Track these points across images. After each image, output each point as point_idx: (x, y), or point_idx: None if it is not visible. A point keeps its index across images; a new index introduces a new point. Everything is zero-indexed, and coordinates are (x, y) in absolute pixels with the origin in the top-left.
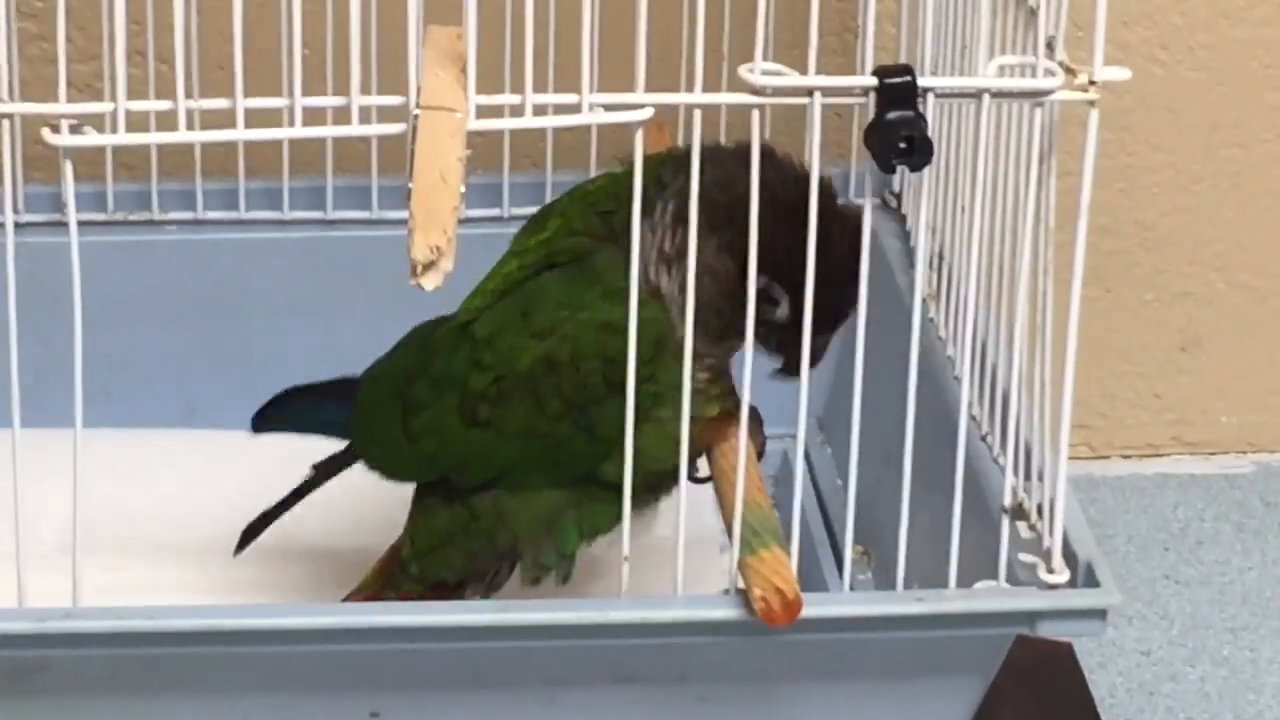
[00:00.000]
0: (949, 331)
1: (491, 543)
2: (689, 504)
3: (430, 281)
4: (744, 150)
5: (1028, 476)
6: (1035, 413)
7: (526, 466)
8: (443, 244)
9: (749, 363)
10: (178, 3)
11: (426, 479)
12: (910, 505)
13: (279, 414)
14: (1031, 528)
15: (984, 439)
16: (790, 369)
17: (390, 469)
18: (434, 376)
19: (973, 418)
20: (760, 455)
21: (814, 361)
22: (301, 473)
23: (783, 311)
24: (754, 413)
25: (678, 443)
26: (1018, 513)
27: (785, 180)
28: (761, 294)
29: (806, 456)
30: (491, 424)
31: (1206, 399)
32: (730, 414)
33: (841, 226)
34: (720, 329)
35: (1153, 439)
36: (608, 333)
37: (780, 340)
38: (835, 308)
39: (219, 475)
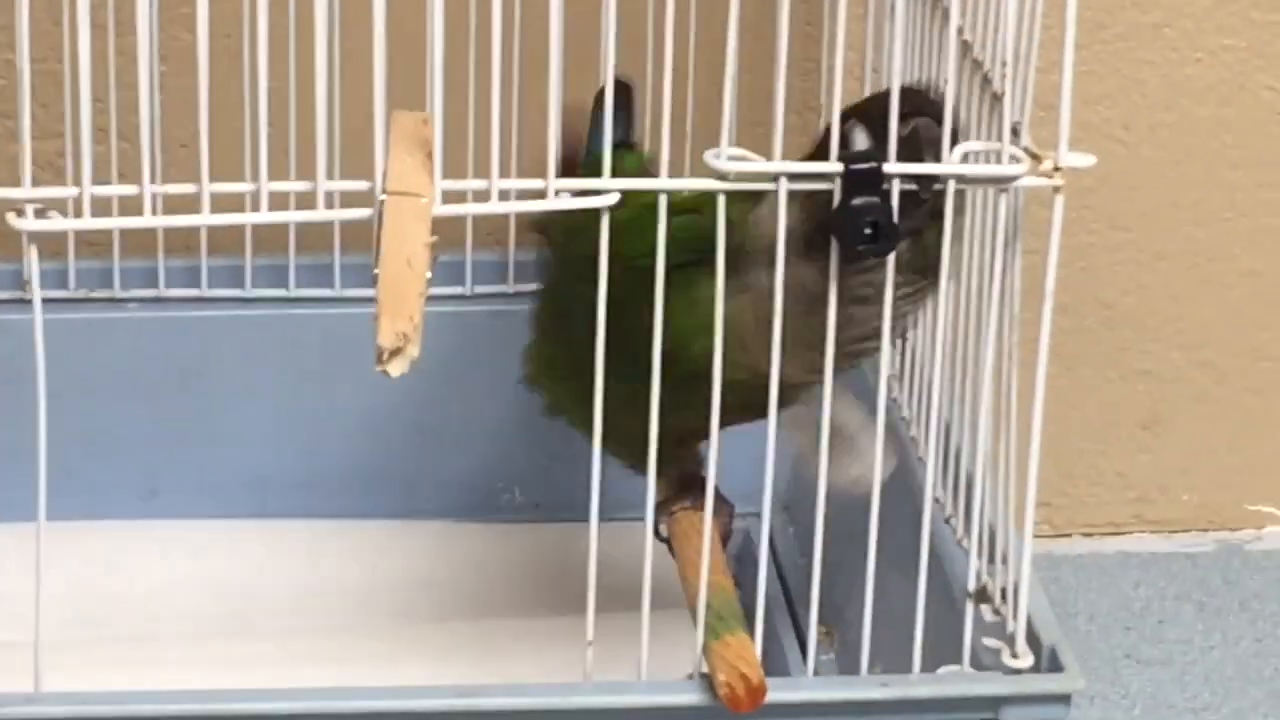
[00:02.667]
0: (913, 412)
1: None
2: (661, 581)
3: (396, 368)
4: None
5: (991, 560)
6: (999, 496)
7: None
8: (409, 330)
9: (714, 444)
10: (143, 84)
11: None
12: (875, 587)
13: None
14: (996, 612)
15: (948, 521)
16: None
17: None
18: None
19: (937, 500)
20: (726, 540)
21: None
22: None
23: (861, 140)
24: (721, 496)
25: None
26: (982, 596)
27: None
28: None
29: (771, 537)
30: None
31: (1168, 477)
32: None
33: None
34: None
35: (1114, 517)
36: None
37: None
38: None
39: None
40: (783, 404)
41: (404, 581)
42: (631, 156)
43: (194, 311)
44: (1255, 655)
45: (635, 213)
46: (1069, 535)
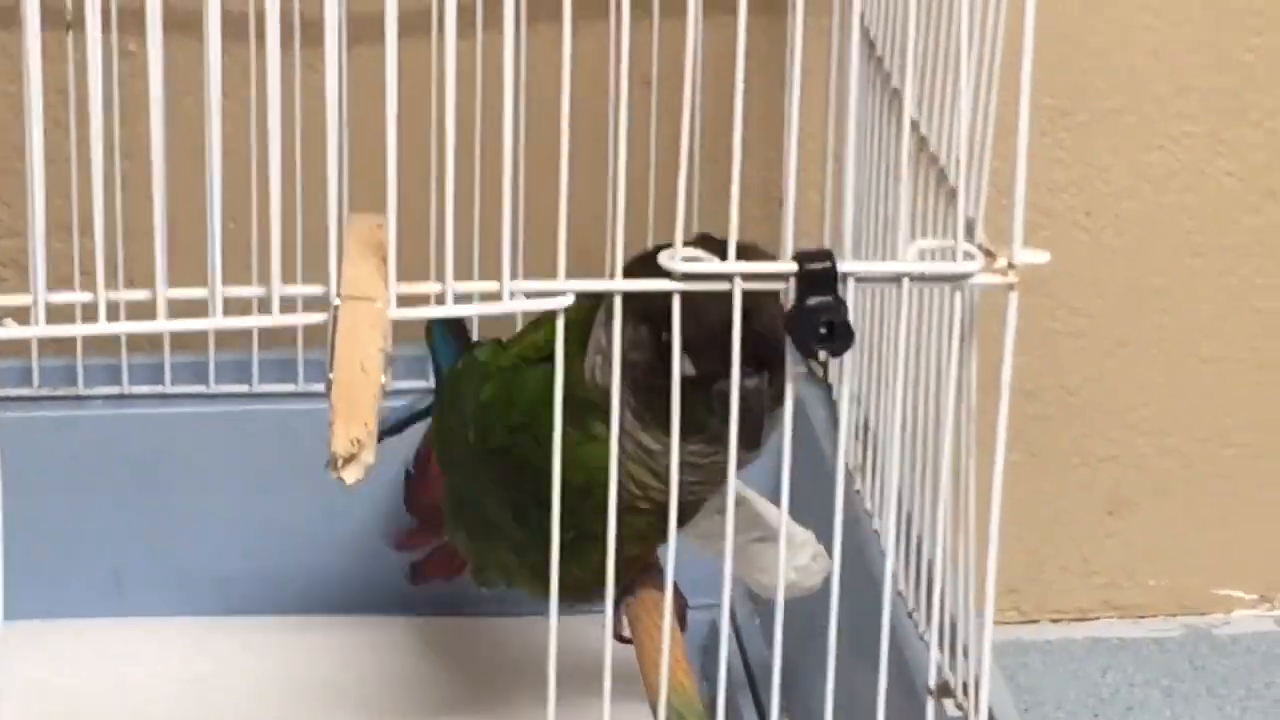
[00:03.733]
0: (875, 504)
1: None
2: (621, 680)
3: (351, 475)
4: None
5: (953, 653)
6: (960, 588)
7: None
8: (363, 436)
9: (673, 537)
10: (97, 195)
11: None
12: (839, 680)
13: (440, 327)
14: (958, 706)
15: (910, 615)
16: (747, 437)
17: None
18: (459, 402)
19: (899, 593)
20: (683, 627)
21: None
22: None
23: (687, 368)
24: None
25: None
26: (944, 691)
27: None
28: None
29: (736, 627)
30: (473, 478)
31: (1134, 562)
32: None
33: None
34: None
35: (1081, 603)
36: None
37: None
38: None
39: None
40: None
41: (373, 677)
42: (487, 346)
43: (157, 409)
44: None
45: (494, 390)
46: (1036, 621)
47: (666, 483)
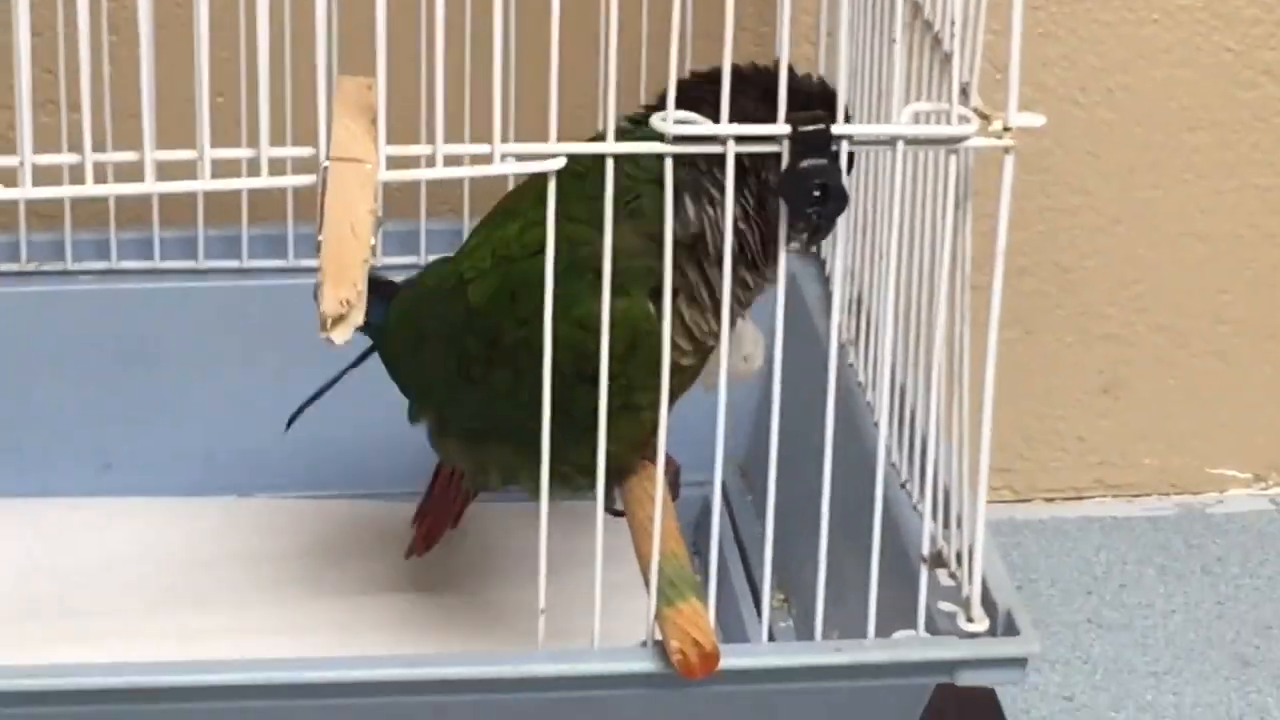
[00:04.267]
0: (868, 377)
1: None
2: (613, 549)
3: (340, 335)
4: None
5: (946, 524)
6: (953, 460)
7: (508, 428)
8: (352, 297)
9: (664, 411)
10: (84, 52)
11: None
12: (830, 553)
13: None
14: (951, 575)
15: (904, 486)
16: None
17: (410, 391)
18: (436, 321)
19: (892, 465)
20: (675, 497)
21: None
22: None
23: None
24: (666, 455)
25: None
26: (937, 561)
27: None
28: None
29: (728, 503)
30: (480, 383)
31: (1129, 441)
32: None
33: None
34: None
35: (1075, 482)
36: (582, 329)
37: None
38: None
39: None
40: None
41: (360, 555)
42: (433, 269)
43: (147, 284)
44: (1217, 619)
45: (488, 290)
46: (1030, 500)
47: (700, 339)
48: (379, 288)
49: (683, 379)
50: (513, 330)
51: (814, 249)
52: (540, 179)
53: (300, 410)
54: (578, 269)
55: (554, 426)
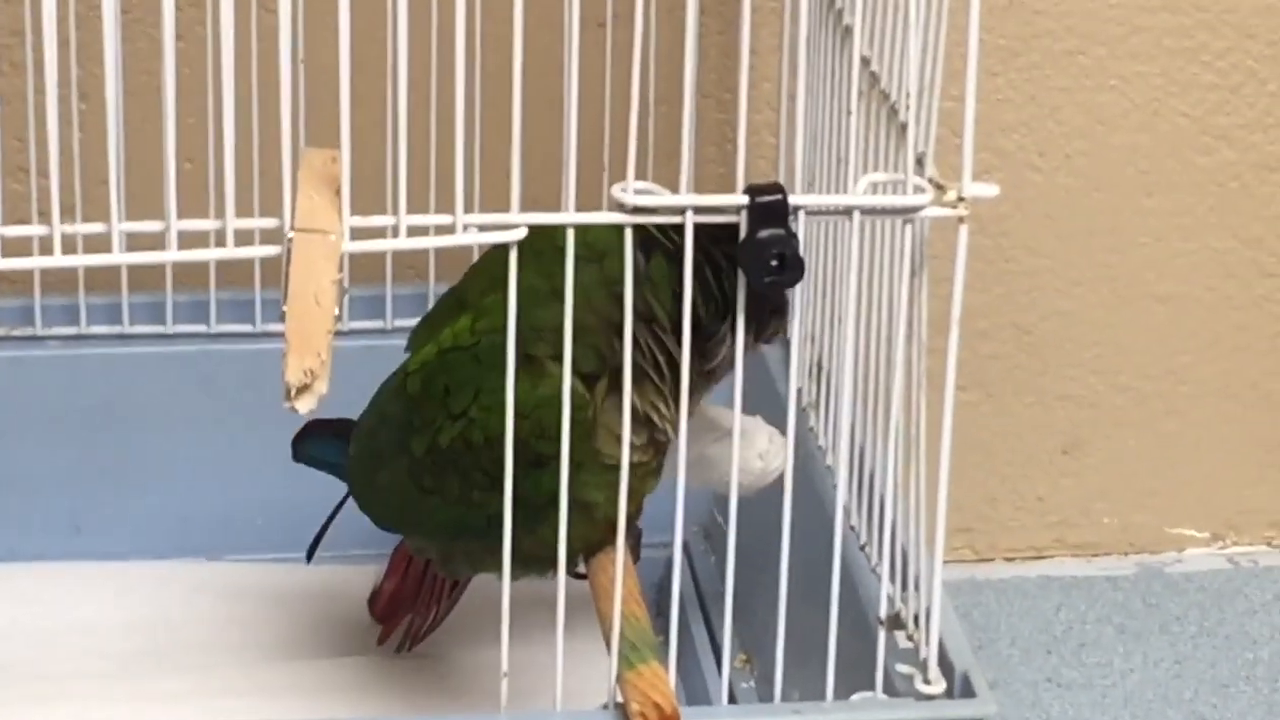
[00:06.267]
0: (828, 440)
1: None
2: (576, 612)
3: (304, 404)
4: None
5: (905, 585)
6: (911, 522)
7: (471, 531)
8: (316, 367)
9: (625, 470)
10: (51, 121)
11: (403, 530)
12: (790, 615)
13: (304, 447)
14: (909, 637)
15: (863, 548)
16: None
17: (374, 517)
18: (387, 430)
19: (851, 527)
20: (636, 559)
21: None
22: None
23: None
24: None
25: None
26: (895, 622)
27: None
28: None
29: (691, 564)
30: (434, 492)
31: (1088, 501)
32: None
33: None
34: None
35: (1035, 541)
36: (517, 417)
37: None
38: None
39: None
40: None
41: (328, 618)
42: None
43: (115, 349)
44: (1175, 678)
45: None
46: (991, 560)
47: (659, 424)
48: (337, 429)
49: (642, 477)
50: (449, 429)
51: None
52: (492, 266)
53: (317, 540)
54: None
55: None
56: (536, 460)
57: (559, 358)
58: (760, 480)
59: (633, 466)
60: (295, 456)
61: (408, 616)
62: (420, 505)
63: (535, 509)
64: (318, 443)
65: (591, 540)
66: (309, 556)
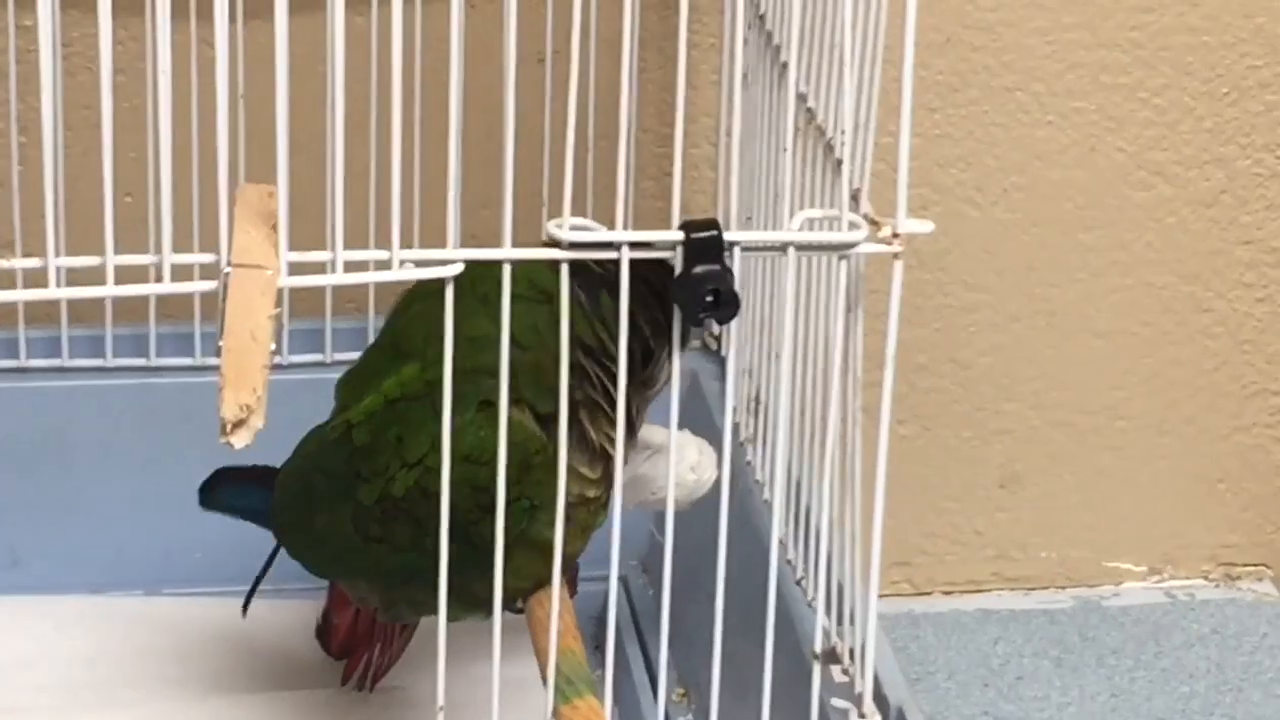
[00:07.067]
0: (765, 475)
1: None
2: (512, 644)
3: (240, 439)
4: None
5: (840, 619)
6: (846, 556)
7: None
8: (252, 402)
9: (561, 503)
10: None
11: (343, 578)
12: (727, 649)
13: (216, 494)
14: (845, 672)
15: (799, 582)
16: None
17: (311, 565)
18: (325, 479)
19: (788, 561)
20: (573, 593)
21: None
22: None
23: None
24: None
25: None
26: (830, 656)
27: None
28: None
29: (630, 598)
30: (382, 540)
31: (1026, 534)
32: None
33: None
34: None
35: (973, 575)
36: (472, 463)
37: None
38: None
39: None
40: None
41: (269, 651)
42: (313, 435)
43: (54, 381)
44: (1112, 711)
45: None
46: (929, 593)
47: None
48: (257, 475)
49: (594, 512)
50: (403, 477)
51: (715, 349)
52: (430, 316)
53: (251, 592)
54: (464, 401)
55: (460, 561)
56: (491, 505)
57: (518, 402)
58: (694, 493)
59: (587, 501)
60: (204, 504)
61: (365, 655)
62: (366, 554)
63: (486, 552)
64: (234, 489)
65: (545, 579)
66: (244, 608)
